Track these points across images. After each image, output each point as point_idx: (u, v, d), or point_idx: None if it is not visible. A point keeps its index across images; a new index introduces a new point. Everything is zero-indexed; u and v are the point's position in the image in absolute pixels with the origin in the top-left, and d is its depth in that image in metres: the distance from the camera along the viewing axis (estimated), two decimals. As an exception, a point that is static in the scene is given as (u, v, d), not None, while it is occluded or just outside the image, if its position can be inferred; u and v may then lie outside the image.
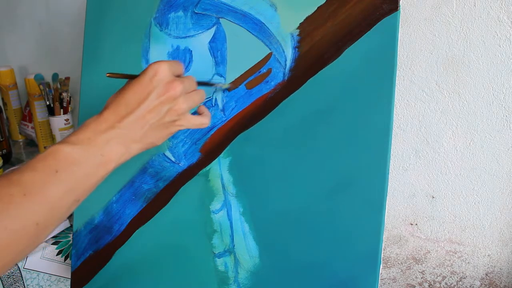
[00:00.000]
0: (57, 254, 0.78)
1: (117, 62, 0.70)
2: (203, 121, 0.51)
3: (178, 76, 0.47)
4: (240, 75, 0.61)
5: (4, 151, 1.08)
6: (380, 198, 0.56)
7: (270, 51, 0.61)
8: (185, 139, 0.65)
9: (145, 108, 0.44)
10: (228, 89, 0.62)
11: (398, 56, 0.56)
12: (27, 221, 0.37)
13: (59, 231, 0.81)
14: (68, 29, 1.07)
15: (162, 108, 0.45)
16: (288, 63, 0.60)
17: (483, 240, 0.73)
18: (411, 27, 0.68)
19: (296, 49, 0.59)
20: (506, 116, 0.66)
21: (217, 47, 0.63)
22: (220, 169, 0.64)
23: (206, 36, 0.64)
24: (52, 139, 1.04)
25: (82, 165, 0.41)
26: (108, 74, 0.48)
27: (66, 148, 0.40)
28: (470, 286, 0.76)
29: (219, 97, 0.63)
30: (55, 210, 0.39)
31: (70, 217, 0.78)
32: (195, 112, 0.53)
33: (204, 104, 0.64)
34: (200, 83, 0.53)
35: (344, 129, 0.58)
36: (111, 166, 0.43)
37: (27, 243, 0.38)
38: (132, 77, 0.47)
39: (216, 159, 0.64)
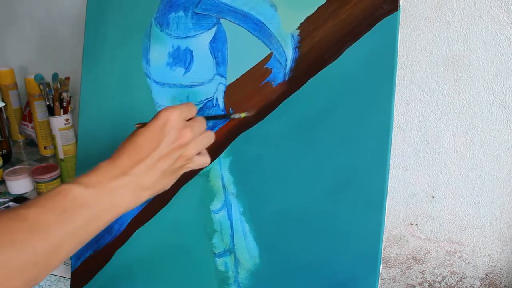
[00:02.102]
0: (57, 254, 0.78)
1: (117, 62, 0.70)
2: (206, 160, 0.51)
3: (190, 119, 0.48)
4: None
5: (4, 151, 1.08)
6: (380, 198, 0.56)
7: (270, 51, 0.61)
8: (185, 139, 0.65)
9: (157, 156, 0.44)
10: (248, 116, 0.60)
11: (398, 56, 0.56)
12: (26, 259, 0.36)
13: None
14: (68, 29, 1.07)
15: (173, 155, 0.45)
16: (289, 63, 0.60)
17: (483, 240, 0.73)
18: (411, 27, 0.68)
19: (297, 49, 0.59)
20: (506, 116, 0.66)
21: (217, 47, 0.63)
22: (220, 169, 0.64)
23: (207, 36, 0.64)
24: (52, 139, 1.04)
25: (90, 208, 0.40)
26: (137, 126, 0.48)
27: (77, 189, 0.40)
28: (470, 286, 0.77)
29: (220, 97, 0.64)
30: (57, 252, 0.38)
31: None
32: None
33: (205, 104, 0.65)
34: (211, 118, 0.54)
35: (344, 129, 0.58)
36: (119, 212, 0.43)
37: (26, 281, 0.37)
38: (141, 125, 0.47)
39: (217, 159, 0.64)
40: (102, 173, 0.43)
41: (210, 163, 0.64)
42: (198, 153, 0.50)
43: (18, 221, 0.37)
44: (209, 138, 0.51)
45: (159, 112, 0.45)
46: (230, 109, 0.61)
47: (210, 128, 0.64)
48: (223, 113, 0.63)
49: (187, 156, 0.47)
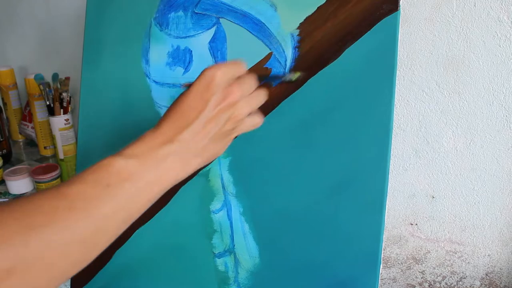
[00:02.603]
0: (57, 254, 0.78)
1: (117, 62, 0.70)
2: (259, 120, 0.48)
3: (239, 78, 0.44)
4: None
5: (4, 151, 1.08)
6: (380, 198, 0.56)
7: (270, 51, 0.61)
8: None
9: (204, 118, 0.41)
10: (299, 78, 0.56)
11: (398, 56, 0.56)
12: (71, 238, 0.34)
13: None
14: (68, 29, 1.07)
15: (223, 116, 0.42)
16: (288, 63, 0.60)
17: (483, 240, 0.73)
18: (411, 27, 0.68)
19: (296, 49, 0.59)
20: (506, 116, 0.66)
21: (217, 47, 0.63)
22: (220, 169, 0.64)
23: (206, 36, 0.64)
24: (52, 139, 1.04)
25: (136, 181, 0.38)
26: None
27: (120, 161, 0.38)
28: (470, 286, 0.76)
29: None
30: (103, 229, 0.36)
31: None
32: None
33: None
34: (264, 77, 0.48)
35: (344, 129, 0.58)
36: (166, 184, 0.41)
37: (73, 261, 0.35)
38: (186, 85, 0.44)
39: (216, 159, 0.64)
40: (146, 142, 0.40)
41: (210, 163, 0.65)
42: (249, 114, 0.46)
43: (58, 199, 0.34)
44: (262, 96, 0.46)
45: (204, 70, 0.42)
46: (286, 71, 0.55)
47: None
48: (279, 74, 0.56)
49: (238, 117, 0.43)
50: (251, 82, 0.45)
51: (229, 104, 0.42)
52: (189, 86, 0.42)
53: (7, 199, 0.94)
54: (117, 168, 0.37)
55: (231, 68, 0.43)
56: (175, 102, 0.42)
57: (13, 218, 0.32)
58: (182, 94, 0.42)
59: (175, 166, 0.40)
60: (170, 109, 0.42)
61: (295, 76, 0.56)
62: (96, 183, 0.36)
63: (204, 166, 0.43)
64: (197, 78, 0.42)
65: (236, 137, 0.46)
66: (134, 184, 0.38)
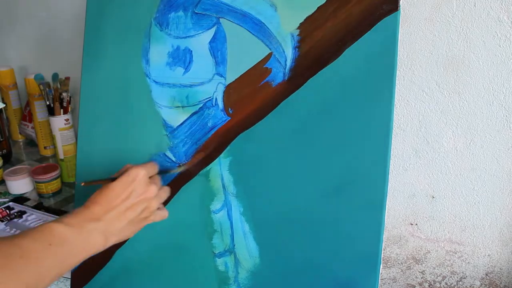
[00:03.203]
0: (57, 254, 0.78)
1: (117, 62, 0.70)
2: (165, 214, 0.59)
3: (152, 177, 0.56)
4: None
5: (4, 151, 1.08)
6: (380, 198, 0.56)
7: (270, 51, 0.61)
8: (185, 139, 0.65)
9: (125, 206, 0.52)
10: (183, 170, 0.65)
11: (398, 56, 0.56)
12: (20, 280, 0.42)
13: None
14: (68, 29, 1.07)
15: (140, 207, 0.53)
16: (288, 63, 0.60)
17: (483, 240, 0.73)
18: (411, 27, 0.68)
19: (296, 49, 0.59)
20: (506, 116, 0.66)
21: (217, 47, 0.63)
22: (220, 169, 0.64)
23: (206, 36, 0.64)
24: (52, 139, 1.04)
25: (70, 244, 0.47)
26: (83, 184, 0.56)
27: (60, 227, 0.47)
28: (470, 286, 0.77)
29: (219, 97, 0.64)
30: (43, 277, 0.45)
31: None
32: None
33: (204, 104, 0.65)
34: (162, 172, 0.62)
35: (344, 129, 0.58)
36: (91, 251, 0.50)
37: None
38: (106, 181, 0.54)
39: (217, 159, 0.64)
40: (79, 216, 0.50)
41: (211, 163, 0.65)
42: (160, 208, 0.58)
43: (12, 247, 0.43)
44: (167, 192, 0.59)
45: (130, 169, 0.53)
46: (177, 163, 0.66)
47: (209, 129, 0.64)
48: (222, 113, 0.63)
49: (151, 208, 0.55)
50: (159, 180, 0.58)
51: (146, 198, 0.54)
52: (114, 179, 0.53)
53: (7, 199, 0.94)
54: (58, 232, 0.47)
55: (150, 169, 0.55)
56: (103, 189, 0.52)
57: None
58: (109, 184, 0.52)
59: (98, 239, 0.50)
60: (98, 194, 0.52)
61: (179, 169, 0.65)
62: (42, 241, 0.45)
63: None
64: (125, 173, 0.53)
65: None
66: (68, 247, 0.47)
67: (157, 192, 0.55)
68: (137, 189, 0.53)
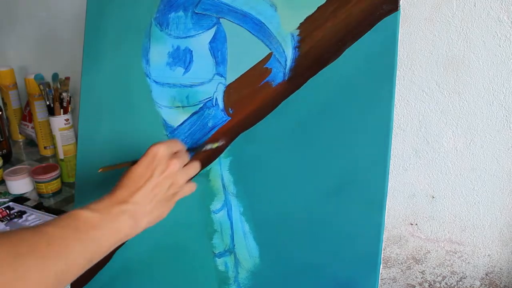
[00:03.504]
0: (57, 254, 0.78)
1: (117, 62, 0.70)
2: (194, 187, 0.57)
3: (177, 152, 0.54)
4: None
5: (4, 151, 1.08)
6: (380, 198, 0.56)
7: (270, 51, 0.61)
8: (186, 139, 0.65)
9: (151, 185, 0.50)
10: (220, 146, 0.64)
11: (398, 56, 0.56)
12: (47, 268, 0.41)
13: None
14: (68, 29, 1.07)
15: (166, 183, 0.52)
16: (288, 63, 0.60)
17: (483, 240, 0.73)
18: (411, 27, 0.68)
19: (296, 49, 0.59)
20: (506, 116, 0.66)
21: (217, 47, 0.63)
22: (220, 169, 0.64)
23: (207, 36, 0.64)
24: (52, 139, 1.04)
25: (98, 230, 0.46)
26: (100, 170, 0.54)
27: (86, 213, 0.46)
28: (470, 286, 0.77)
29: (219, 97, 0.64)
30: (72, 265, 0.43)
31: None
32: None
33: (205, 104, 0.65)
34: (192, 149, 0.60)
35: (344, 129, 0.58)
36: (121, 236, 0.48)
37: None
38: (126, 164, 0.53)
39: (217, 159, 0.64)
40: (106, 201, 0.48)
41: (211, 163, 0.65)
42: (187, 182, 0.56)
43: (39, 235, 0.42)
44: (196, 167, 0.57)
45: (150, 147, 0.52)
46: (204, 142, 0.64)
47: (209, 129, 0.64)
48: (223, 113, 0.64)
49: (178, 184, 0.53)
50: (186, 156, 0.56)
51: (171, 173, 0.52)
52: (135, 162, 0.52)
53: (7, 199, 0.94)
54: (84, 218, 0.45)
55: (171, 144, 0.54)
56: (127, 173, 0.51)
57: (5, 246, 0.39)
58: (132, 167, 0.51)
59: (128, 223, 0.49)
60: (123, 178, 0.51)
61: (215, 144, 0.63)
62: (69, 228, 0.44)
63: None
64: (145, 153, 0.52)
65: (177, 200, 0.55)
66: (96, 232, 0.46)
67: (181, 166, 0.53)
68: (159, 166, 0.51)
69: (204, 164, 0.65)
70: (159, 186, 0.51)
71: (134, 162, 0.52)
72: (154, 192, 0.51)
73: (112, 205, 0.48)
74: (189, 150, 0.59)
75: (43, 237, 0.42)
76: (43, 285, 0.40)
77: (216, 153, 0.64)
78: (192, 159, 0.58)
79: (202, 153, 0.64)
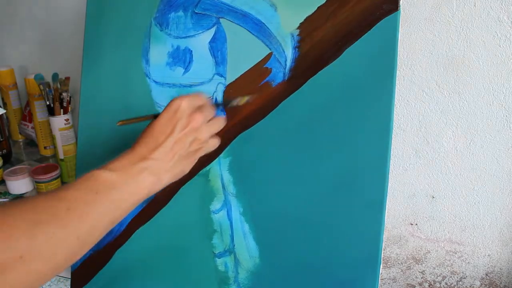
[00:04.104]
0: (57, 254, 0.78)
1: (117, 62, 0.70)
2: (217, 142, 0.55)
3: (200, 107, 0.51)
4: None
5: (4, 151, 1.08)
6: (380, 198, 0.56)
7: (270, 51, 0.61)
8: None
9: (172, 140, 0.48)
10: (249, 101, 0.61)
11: (398, 56, 0.56)
12: (69, 233, 0.40)
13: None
14: (68, 29, 1.07)
15: (188, 138, 0.49)
16: (288, 63, 0.60)
17: (483, 240, 0.73)
18: (411, 27, 0.68)
19: (296, 49, 0.59)
20: (506, 116, 0.66)
21: (217, 47, 0.63)
22: (220, 169, 0.64)
23: (206, 36, 0.64)
24: (52, 139, 1.04)
25: (118, 190, 0.44)
26: (119, 123, 0.53)
27: (105, 173, 0.44)
28: (470, 286, 0.76)
29: (219, 97, 0.64)
30: (94, 228, 0.42)
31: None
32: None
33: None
34: (218, 105, 0.57)
35: (344, 129, 0.58)
36: (143, 193, 0.47)
37: (68, 255, 0.40)
38: (146, 118, 0.51)
39: (216, 159, 0.64)
40: (125, 160, 0.47)
41: (211, 163, 0.65)
42: (211, 137, 0.53)
43: (58, 201, 0.40)
44: (220, 122, 0.54)
45: (171, 101, 0.49)
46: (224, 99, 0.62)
47: None
48: (222, 113, 0.63)
49: (201, 139, 0.51)
50: (211, 110, 0.53)
51: (193, 129, 0.50)
52: (157, 115, 0.50)
53: (7, 199, 0.94)
54: (103, 179, 0.44)
55: (194, 98, 0.51)
56: (148, 128, 0.49)
57: (21, 214, 0.38)
58: (153, 121, 0.49)
59: (149, 180, 0.47)
60: (143, 133, 0.49)
61: (243, 100, 0.60)
62: (88, 190, 0.43)
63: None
64: (166, 107, 0.49)
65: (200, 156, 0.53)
66: (117, 192, 0.44)
67: (205, 121, 0.51)
68: (181, 121, 0.49)
69: (203, 164, 0.65)
70: (181, 142, 0.49)
71: (156, 116, 0.50)
72: (175, 149, 0.49)
73: (132, 163, 0.46)
74: (216, 105, 0.56)
75: (62, 202, 0.40)
76: (66, 250, 0.40)
77: (215, 153, 0.64)
78: (217, 115, 0.56)
79: (230, 109, 0.61)
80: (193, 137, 0.50)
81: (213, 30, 0.64)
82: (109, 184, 0.44)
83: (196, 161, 0.52)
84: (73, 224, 0.40)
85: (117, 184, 0.44)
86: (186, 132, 0.49)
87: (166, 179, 0.49)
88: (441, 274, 0.78)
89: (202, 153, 0.53)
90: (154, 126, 0.49)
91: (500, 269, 0.74)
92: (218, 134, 0.64)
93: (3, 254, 0.35)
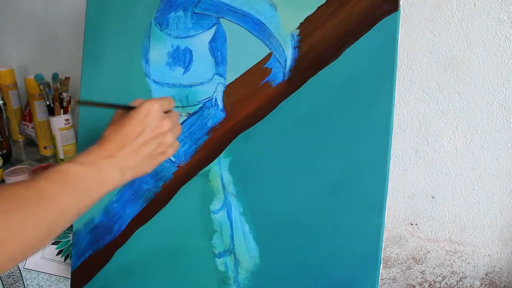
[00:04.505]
0: (57, 254, 0.78)
1: (117, 62, 0.70)
2: (177, 145, 0.57)
3: (168, 111, 0.54)
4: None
5: (4, 151, 1.08)
6: (380, 198, 0.56)
7: (270, 51, 0.61)
8: (185, 139, 0.65)
9: (139, 142, 0.51)
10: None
11: (398, 56, 0.56)
12: (39, 220, 0.42)
13: (59, 231, 0.81)
14: (68, 29, 1.07)
15: (154, 142, 0.52)
16: (288, 63, 0.60)
17: (483, 240, 0.73)
18: (411, 27, 0.68)
19: (296, 49, 0.59)
20: (506, 116, 0.66)
21: (217, 47, 0.63)
22: (220, 169, 0.64)
23: (206, 36, 0.64)
24: (52, 139, 1.04)
25: (86, 182, 0.47)
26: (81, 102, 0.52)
27: (75, 166, 0.47)
28: (470, 286, 0.76)
29: (219, 96, 0.64)
30: (62, 218, 0.45)
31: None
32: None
33: (204, 104, 0.65)
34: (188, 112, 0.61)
35: (344, 129, 0.58)
36: (109, 187, 0.49)
37: (36, 241, 0.42)
38: (109, 106, 0.53)
39: (216, 159, 0.64)
40: (93, 155, 0.49)
41: (210, 163, 0.65)
42: (174, 140, 0.56)
43: (29, 189, 0.43)
44: (180, 128, 0.58)
45: (142, 103, 0.51)
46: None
47: (209, 129, 0.64)
48: (222, 113, 0.64)
49: (166, 143, 0.53)
50: (176, 116, 0.56)
51: (160, 133, 0.52)
52: (125, 107, 0.52)
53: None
54: (72, 171, 0.46)
55: (164, 103, 0.53)
56: (117, 125, 0.51)
57: None
58: (122, 120, 0.51)
59: (115, 175, 0.49)
60: (111, 130, 0.51)
61: (183, 114, 0.64)
62: (57, 181, 0.45)
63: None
64: (137, 108, 0.51)
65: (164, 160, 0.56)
66: (85, 184, 0.47)
67: (172, 126, 0.54)
68: (150, 125, 0.51)
69: (203, 164, 0.65)
70: (148, 144, 0.51)
71: (124, 108, 0.52)
72: (142, 150, 0.51)
73: (99, 158, 0.49)
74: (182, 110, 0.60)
75: (33, 191, 0.43)
76: (35, 238, 0.42)
77: (215, 153, 0.64)
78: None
79: (230, 110, 0.64)
80: (160, 140, 0.52)
81: (213, 30, 0.64)
82: (79, 177, 0.46)
83: (159, 163, 0.55)
84: (42, 212, 0.42)
85: (86, 178, 0.47)
86: (154, 136, 0.52)
87: (129, 177, 0.52)
88: (441, 274, 0.78)
89: (166, 156, 0.55)
90: (124, 125, 0.51)
91: (500, 269, 0.74)
92: (219, 133, 0.64)
93: None
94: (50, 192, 0.44)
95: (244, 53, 0.62)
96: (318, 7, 0.58)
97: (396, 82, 0.56)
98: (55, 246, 0.78)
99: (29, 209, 0.42)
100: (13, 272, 0.74)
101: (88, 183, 0.47)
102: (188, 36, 0.65)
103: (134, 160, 0.51)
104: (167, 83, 0.66)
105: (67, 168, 0.46)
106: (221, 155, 0.64)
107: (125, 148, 0.50)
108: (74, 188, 0.46)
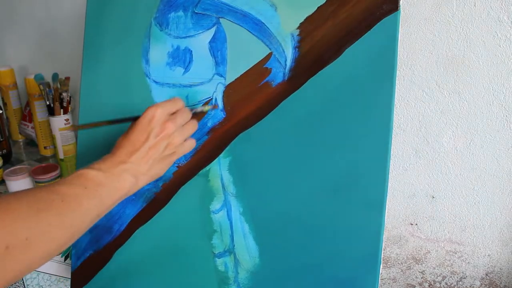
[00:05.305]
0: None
1: (117, 62, 0.70)
2: (192, 143, 0.59)
3: (175, 112, 0.56)
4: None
5: (4, 151, 1.08)
6: (380, 198, 0.56)
7: (270, 51, 0.61)
8: (185, 139, 0.65)
9: (147, 146, 0.54)
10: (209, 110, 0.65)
11: (398, 56, 0.56)
12: (63, 221, 0.45)
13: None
14: (68, 29, 1.07)
15: (161, 144, 0.54)
16: (288, 63, 0.60)
17: (483, 240, 0.73)
18: (411, 27, 0.68)
19: (296, 49, 0.59)
20: (506, 116, 0.66)
21: (217, 47, 0.63)
22: (220, 169, 0.64)
23: (206, 36, 0.64)
24: (52, 139, 1.04)
25: (104, 187, 0.50)
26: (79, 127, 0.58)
27: (93, 172, 0.50)
28: (470, 286, 0.77)
29: (219, 97, 0.64)
30: (84, 219, 0.48)
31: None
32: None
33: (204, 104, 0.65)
34: (193, 109, 0.60)
35: (344, 129, 0.58)
36: (124, 191, 0.52)
37: (60, 241, 0.45)
38: (105, 123, 0.56)
39: (216, 159, 0.64)
40: (107, 162, 0.52)
41: (210, 163, 0.65)
42: (185, 140, 0.58)
43: (52, 193, 0.46)
44: (193, 126, 0.59)
45: (146, 109, 0.54)
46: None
47: (209, 129, 0.64)
48: (222, 113, 0.64)
49: (174, 144, 0.55)
50: (185, 115, 0.57)
51: (165, 135, 0.54)
52: (134, 118, 0.55)
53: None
54: (91, 177, 0.50)
55: (168, 106, 0.55)
56: (126, 134, 0.54)
57: (26, 203, 0.44)
58: (130, 129, 0.55)
59: (129, 180, 0.53)
60: (122, 140, 0.54)
61: (206, 108, 0.64)
62: (78, 186, 0.48)
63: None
64: (142, 115, 0.54)
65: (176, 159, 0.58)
66: (103, 189, 0.50)
67: (177, 127, 0.56)
68: (155, 129, 0.54)
69: (203, 164, 0.65)
70: (155, 147, 0.54)
71: (134, 119, 0.55)
72: (150, 154, 0.54)
73: (114, 164, 0.52)
74: (191, 109, 0.59)
75: (57, 195, 0.46)
76: (61, 239, 0.45)
77: (215, 153, 0.64)
78: (191, 119, 0.60)
79: (230, 110, 0.64)
80: (166, 142, 0.55)
81: (213, 30, 0.64)
82: (97, 182, 0.50)
83: (171, 164, 0.57)
84: (66, 214, 0.46)
85: (103, 182, 0.50)
86: (160, 138, 0.54)
87: (143, 181, 0.54)
88: (441, 274, 0.78)
89: (176, 156, 0.57)
90: (131, 132, 0.54)
91: (500, 269, 0.74)
92: (219, 133, 0.64)
93: (12, 235, 0.40)
94: (72, 196, 0.47)
95: (244, 53, 0.62)
96: (318, 7, 0.58)
97: (396, 82, 0.56)
98: (55, 246, 0.78)
99: (55, 210, 0.45)
100: (13, 272, 0.74)
101: (106, 187, 0.50)
102: (188, 36, 0.65)
103: (144, 164, 0.54)
104: (167, 83, 0.66)
105: (86, 173, 0.50)
106: (221, 155, 0.64)
107: (135, 153, 0.53)
108: (93, 192, 0.49)
